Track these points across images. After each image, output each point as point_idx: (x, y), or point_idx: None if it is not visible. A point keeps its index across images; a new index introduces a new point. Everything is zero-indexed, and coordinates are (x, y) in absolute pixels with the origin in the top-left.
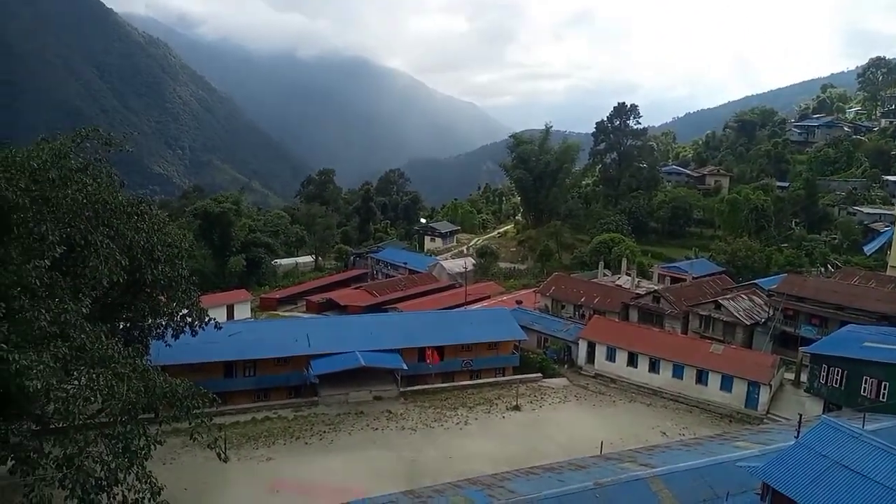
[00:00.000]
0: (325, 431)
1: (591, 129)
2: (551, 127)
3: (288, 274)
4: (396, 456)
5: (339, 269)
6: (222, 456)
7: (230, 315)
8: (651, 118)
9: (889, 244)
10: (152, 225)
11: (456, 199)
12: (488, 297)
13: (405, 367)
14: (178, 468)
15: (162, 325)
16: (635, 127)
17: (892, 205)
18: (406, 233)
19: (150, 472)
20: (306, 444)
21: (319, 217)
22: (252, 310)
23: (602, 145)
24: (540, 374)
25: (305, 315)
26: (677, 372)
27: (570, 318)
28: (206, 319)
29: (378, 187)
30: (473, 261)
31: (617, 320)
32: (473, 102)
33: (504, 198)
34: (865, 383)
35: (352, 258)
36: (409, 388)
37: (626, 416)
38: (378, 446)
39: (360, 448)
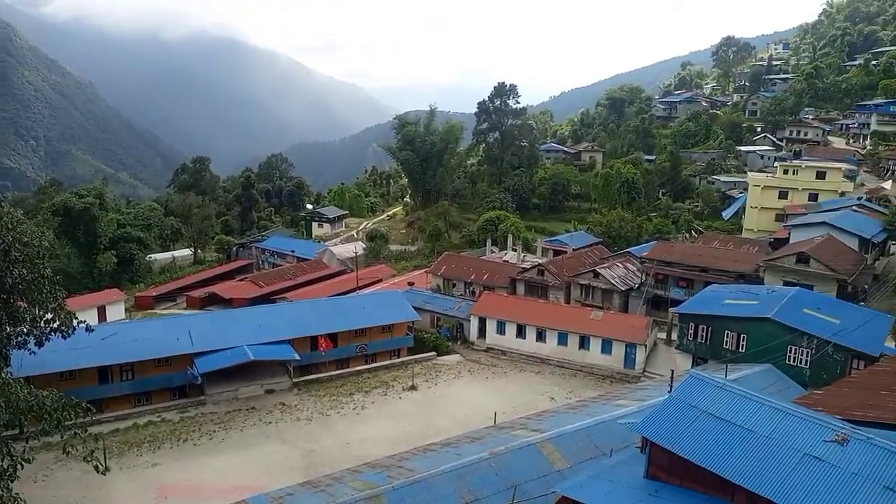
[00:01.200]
0: (214, 431)
1: (474, 109)
2: (436, 108)
3: (165, 269)
4: (292, 448)
5: (222, 261)
6: (100, 468)
7: (102, 317)
8: (529, 98)
9: (743, 209)
10: (5, 224)
11: (343, 183)
12: (380, 281)
13: (297, 357)
14: (53, 485)
15: (23, 332)
16: (515, 106)
17: (745, 173)
18: (292, 220)
19: (17, 494)
20: (195, 445)
21: (196, 207)
22: (127, 310)
23: (484, 125)
24: (434, 353)
25: (186, 312)
26: (562, 339)
27: (462, 295)
28: (75, 323)
29: (259, 173)
30: (363, 245)
31: (505, 295)
32: (356, 83)
33: (392, 180)
34: (727, 337)
35: (235, 249)
36: (302, 379)
37: (517, 386)
38: (272, 440)
39: (254, 444)
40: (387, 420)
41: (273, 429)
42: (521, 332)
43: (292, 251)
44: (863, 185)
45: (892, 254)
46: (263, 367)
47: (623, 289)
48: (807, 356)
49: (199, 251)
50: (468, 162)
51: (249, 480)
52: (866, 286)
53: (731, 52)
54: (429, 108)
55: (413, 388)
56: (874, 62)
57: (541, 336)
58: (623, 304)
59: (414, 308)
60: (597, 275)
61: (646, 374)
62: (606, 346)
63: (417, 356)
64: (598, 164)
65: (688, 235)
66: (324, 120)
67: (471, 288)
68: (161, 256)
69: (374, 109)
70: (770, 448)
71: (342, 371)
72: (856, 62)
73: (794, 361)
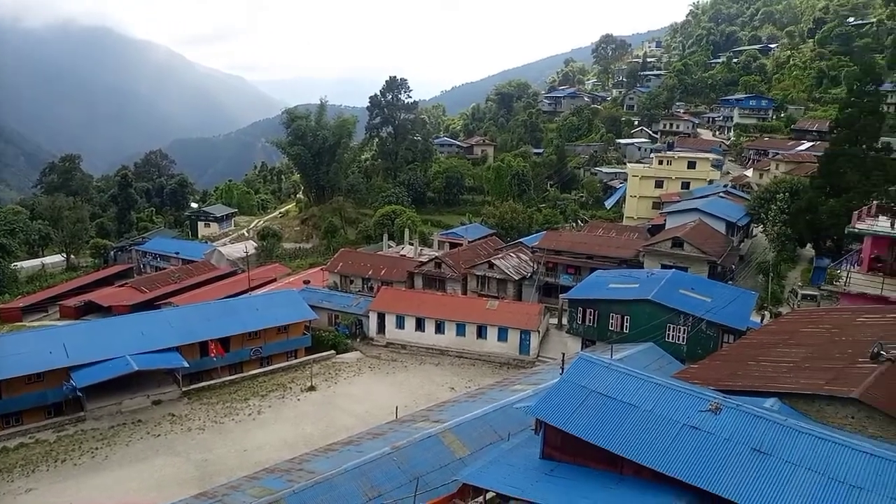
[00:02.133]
0: (97, 448)
1: (366, 103)
2: (326, 101)
3: (33, 278)
4: (184, 460)
5: (98, 266)
6: None
7: None
8: (421, 92)
9: (624, 198)
10: None
11: (231, 180)
12: (274, 280)
13: (186, 364)
14: None
15: None
16: (407, 101)
17: (624, 164)
18: (176, 220)
19: None
20: (75, 465)
21: (67, 209)
22: None
23: (377, 119)
24: (333, 351)
25: (60, 322)
26: (460, 330)
27: (360, 291)
28: None
29: (138, 171)
30: (255, 244)
31: (404, 289)
32: (242, 76)
33: (283, 176)
34: (612, 319)
35: (112, 253)
36: (193, 387)
37: (417, 379)
38: (162, 453)
39: (142, 459)
40: (286, 423)
41: (162, 441)
42: (420, 325)
43: (177, 253)
44: (728, 173)
45: (755, 236)
46: (149, 377)
47: (517, 278)
48: (683, 333)
49: (72, 257)
50: (362, 157)
51: (138, 497)
52: (733, 266)
53: (609, 49)
54: (319, 102)
55: (312, 388)
56: (735, 60)
57: (439, 328)
58: (517, 292)
59: (311, 307)
60: (492, 265)
61: (540, 358)
62: (502, 334)
63: (316, 356)
64: (489, 157)
65: (574, 224)
66: (208, 114)
67: (369, 284)
68: (28, 264)
69: (261, 103)
70: (653, 421)
71: (236, 376)
72: (719, 59)
73: (672, 339)
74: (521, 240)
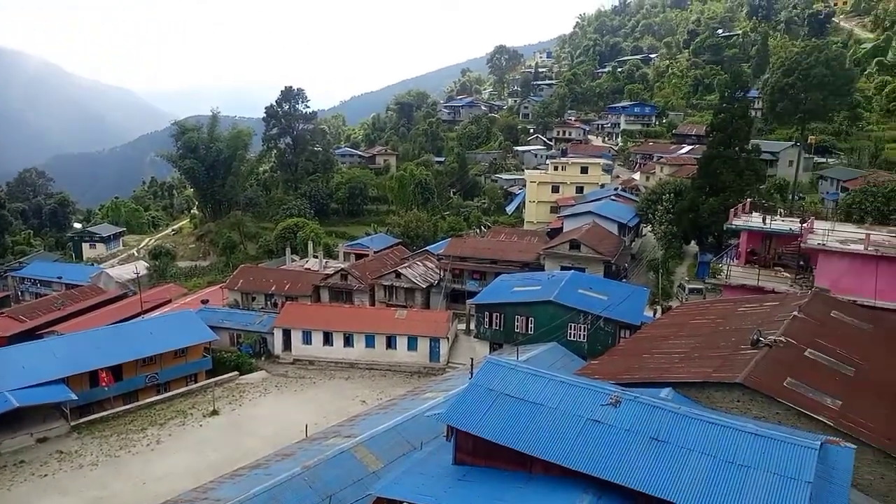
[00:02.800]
0: None
1: (261, 114)
2: (219, 112)
3: None
4: (76, 500)
5: None
6: None
7: None
8: (319, 102)
9: (523, 203)
10: None
11: (117, 197)
12: (169, 301)
13: (74, 396)
14: None
15: None
16: (305, 111)
17: (523, 171)
18: (57, 242)
19: None
20: None
21: None
22: None
23: (274, 130)
24: (236, 373)
25: None
26: (369, 342)
27: (263, 308)
28: None
29: (11, 192)
30: (146, 264)
31: (309, 303)
32: (128, 87)
33: (175, 191)
34: (517, 322)
35: None
36: (83, 420)
37: (327, 394)
38: (49, 494)
39: (26, 503)
40: (188, 451)
41: (49, 481)
42: (328, 339)
43: (59, 277)
44: (618, 177)
45: (644, 235)
46: (33, 413)
47: (424, 286)
48: (584, 331)
49: None
50: (260, 169)
51: None
52: (626, 265)
53: (503, 59)
54: (211, 113)
55: (215, 412)
56: (619, 69)
57: (348, 341)
58: (425, 300)
59: (210, 327)
60: (399, 275)
61: (450, 365)
62: (412, 343)
63: (217, 378)
64: (392, 167)
65: (478, 231)
66: (90, 128)
67: (272, 300)
68: None
69: (149, 115)
70: (558, 418)
71: (131, 405)
72: (605, 69)
73: (574, 337)
74: (426, 248)
